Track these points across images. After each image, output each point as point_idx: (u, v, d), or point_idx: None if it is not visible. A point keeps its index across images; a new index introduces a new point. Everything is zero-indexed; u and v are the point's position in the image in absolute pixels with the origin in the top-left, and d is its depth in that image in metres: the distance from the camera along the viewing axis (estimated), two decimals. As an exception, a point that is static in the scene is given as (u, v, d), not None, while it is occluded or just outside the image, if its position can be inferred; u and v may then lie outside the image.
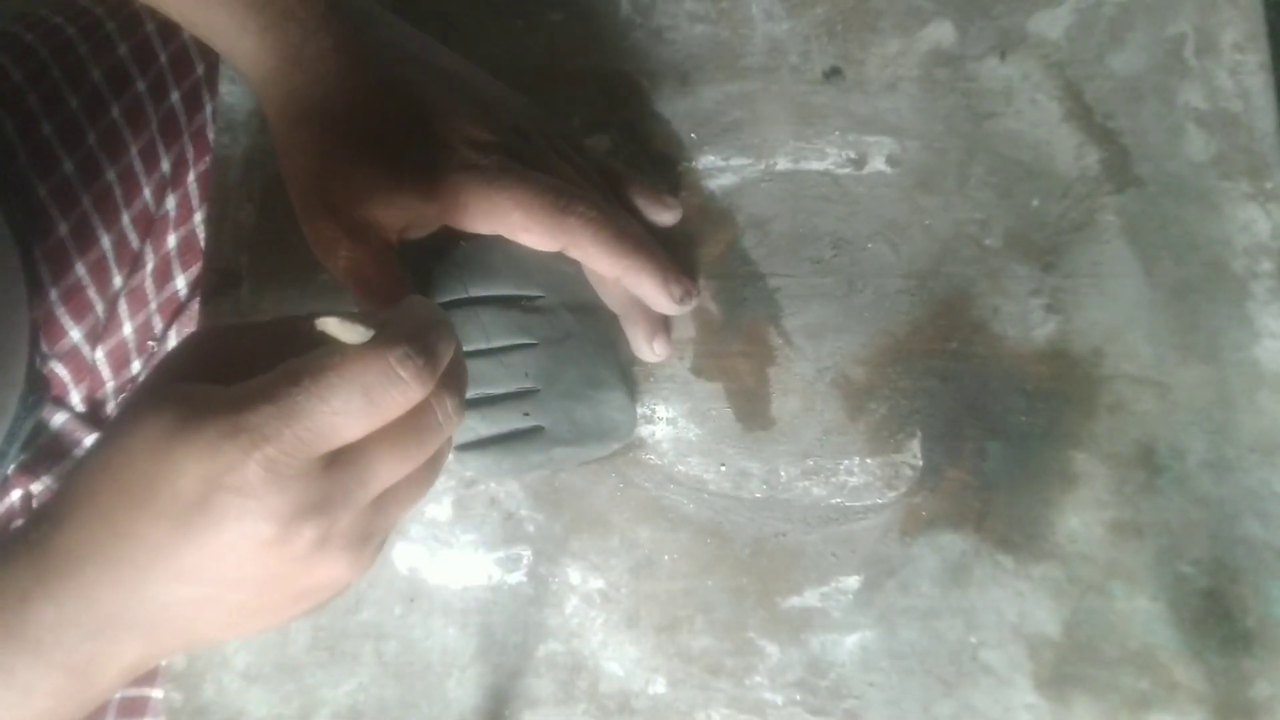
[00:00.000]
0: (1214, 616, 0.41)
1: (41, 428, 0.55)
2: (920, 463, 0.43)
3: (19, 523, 0.49)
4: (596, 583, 0.43)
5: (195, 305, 0.55)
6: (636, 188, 0.44)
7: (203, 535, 0.28)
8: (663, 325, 0.43)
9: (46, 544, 0.29)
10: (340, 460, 0.29)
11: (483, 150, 0.39)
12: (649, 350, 0.43)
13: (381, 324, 0.30)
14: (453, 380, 0.32)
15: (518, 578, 0.43)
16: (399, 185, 0.38)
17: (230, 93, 0.49)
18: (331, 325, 0.29)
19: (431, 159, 0.38)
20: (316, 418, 0.27)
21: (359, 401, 0.28)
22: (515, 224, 0.39)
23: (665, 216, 0.45)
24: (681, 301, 0.41)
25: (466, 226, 0.39)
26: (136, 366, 0.57)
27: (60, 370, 0.55)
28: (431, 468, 0.33)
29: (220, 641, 0.32)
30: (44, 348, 0.54)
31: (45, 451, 0.54)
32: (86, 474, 0.30)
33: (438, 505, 0.44)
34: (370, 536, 0.31)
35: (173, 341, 0.57)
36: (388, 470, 0.30)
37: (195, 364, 0.31)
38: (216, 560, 0.28)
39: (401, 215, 0.39)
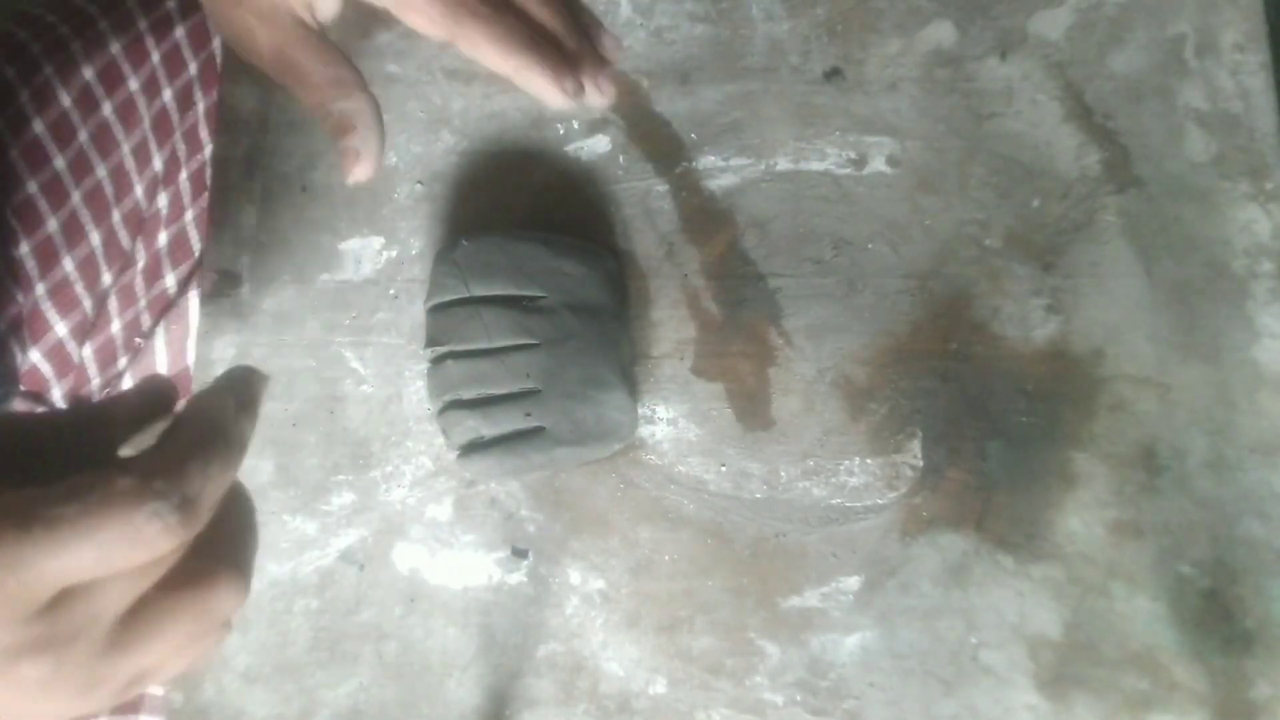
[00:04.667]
0: (1214, 617, 0.41)
1: None
2: (921, 463, 0.43)
3: None
4: (597, 583, 0.43)
5: (184, 302, 0.55)
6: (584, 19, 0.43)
7: None
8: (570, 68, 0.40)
9: None
10: (72, 596, 0.27)
11: None
12: (596, 93, 0.41)
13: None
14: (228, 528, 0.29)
15: (518, 578, 0.43)
16: None
17: (231, 93, 0.49)
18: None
19: None
20: (42, 570, 0.25)
21: (91, 557, 0.25)
22: (405, 1, 0.38)
23: (606, 41, 0.42)
24: (575, 95, 0.40)
25: None
26: (123, 363, 0.57)
27: (43, 365, 0.55)
28: (193, 617, 0.29)
29: None
30: (26, 341, 0.55)
31: None
32: None
33: (438, 506, 0.44)
34: (103, 681, 0.28)
35: (160, 339, 0.57)
36: (122, 601, 0.27)
37: None
38: None
39: None
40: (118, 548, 0.26)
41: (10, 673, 0.26)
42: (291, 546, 0.44)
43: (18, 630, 0.26)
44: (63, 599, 0.26)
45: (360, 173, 0.39)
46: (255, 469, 0.45)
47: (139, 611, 0.28)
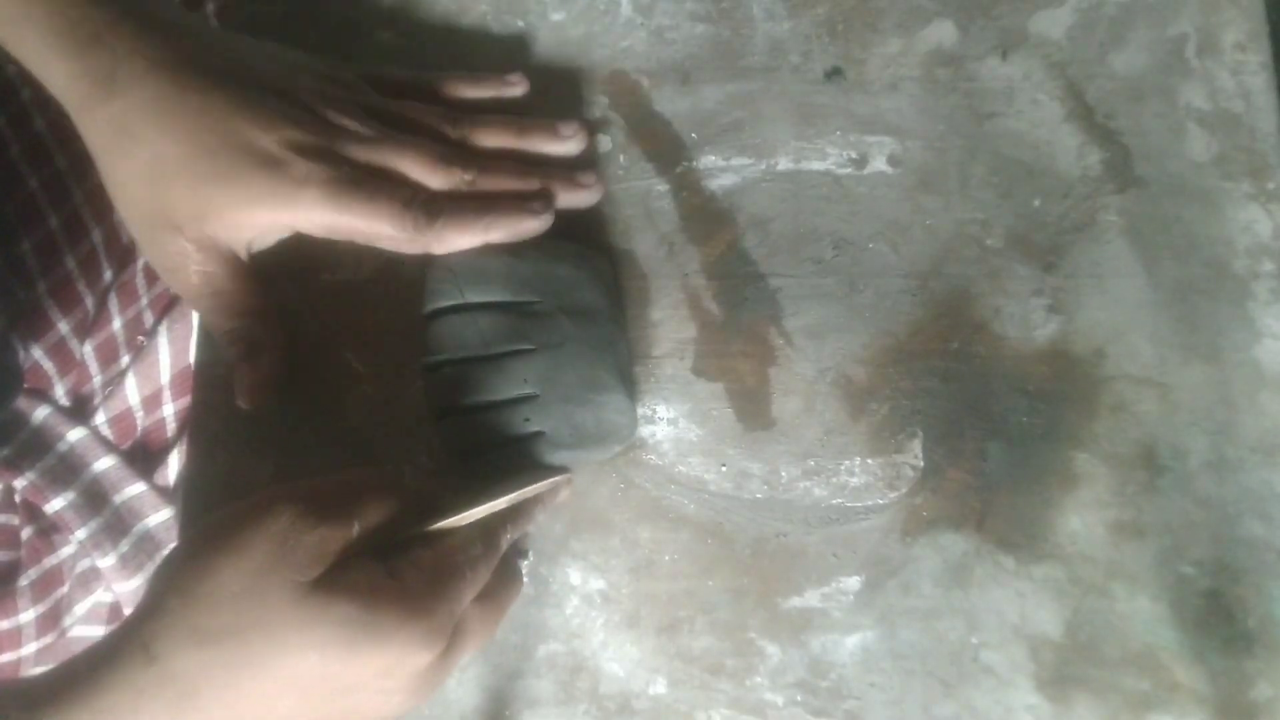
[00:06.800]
0: (1215, 617, 0.41)
1: (22, 422, 0.55)
2: (921, 463, 0.43)
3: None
4: (597, 583, 0.43)
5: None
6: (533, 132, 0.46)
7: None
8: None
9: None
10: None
11: (319, 157, 0.40)
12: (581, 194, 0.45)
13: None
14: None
15: (518, 578, 0.43)
16: (249, 205, 0.39)
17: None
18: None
19: (271, 173, 0.39)
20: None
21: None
22: (378, 234, 0.41)
23: (564, 146, 0.46)
24: (547, 218, 0.43)
25: (321, 232, 0.41)
26: (126, 361, 0.57)
27: (45, 363, 0.55)
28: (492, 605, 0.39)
29: None
30: (26, 339, 0.55)
31: (27, 446, 0.54)
32: (239, 654, 0.32)
33: (438, 506, 0.44)
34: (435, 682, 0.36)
35: (163, 337, 0.57)
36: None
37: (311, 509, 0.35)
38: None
39: (251, 231, 0.40)
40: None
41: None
42: (292, 546, 0.44)
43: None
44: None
45: (254, 399, 0.42)
46: (255, 469, 0.45)
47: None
